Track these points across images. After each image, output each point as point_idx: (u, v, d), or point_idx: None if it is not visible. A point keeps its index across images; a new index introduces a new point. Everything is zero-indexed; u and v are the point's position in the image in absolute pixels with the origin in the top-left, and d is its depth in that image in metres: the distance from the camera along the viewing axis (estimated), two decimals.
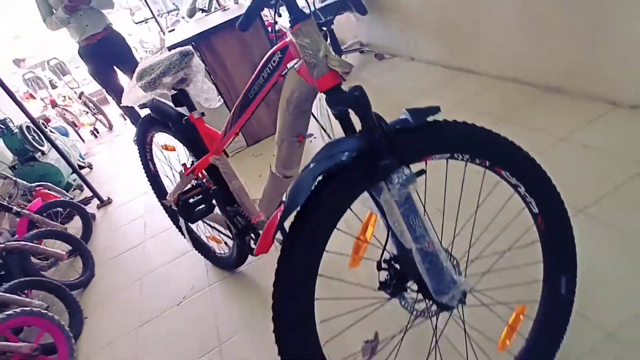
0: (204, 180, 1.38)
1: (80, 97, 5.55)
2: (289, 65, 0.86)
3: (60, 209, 2.58)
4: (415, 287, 0.88)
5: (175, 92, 1.27)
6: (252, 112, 1.02)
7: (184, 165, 1.42)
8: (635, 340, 0.97)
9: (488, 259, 1.05)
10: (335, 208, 0.76)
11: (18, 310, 1.55)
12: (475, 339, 0.97)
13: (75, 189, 3.56)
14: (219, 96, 1.34)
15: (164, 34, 5.15)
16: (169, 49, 2.50)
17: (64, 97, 5.96)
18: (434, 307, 0.88)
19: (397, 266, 0.88)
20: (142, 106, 1.50)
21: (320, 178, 0.72)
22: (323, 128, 0.90)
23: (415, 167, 0.80)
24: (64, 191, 3.14)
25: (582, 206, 1.38)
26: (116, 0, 3.68)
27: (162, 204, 1.74)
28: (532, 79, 2.17)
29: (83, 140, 5.47)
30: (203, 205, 1.21)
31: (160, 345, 1.59)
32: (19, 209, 2.21)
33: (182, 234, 1.49)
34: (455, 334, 1.02)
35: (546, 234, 0.93)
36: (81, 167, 4.00)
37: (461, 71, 2.68)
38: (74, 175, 3.45)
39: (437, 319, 0.91)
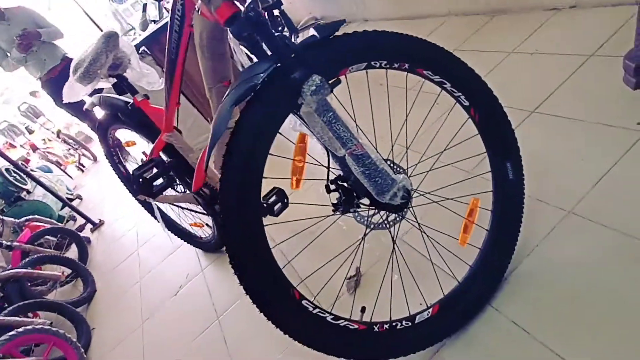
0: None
1: (58, 136, 5.57)
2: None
3: (51, 237, 2.61)
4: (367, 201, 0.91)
5: (115, 80, 1.28)
6: (181, 74, 1.03)
7: (143, 153, 1.44)
8: (594, 212, 0.99)
9: (430, 163, 1.06)
10: (261, 132, 0.77)
11: (21, 329, 1.58)
12: (436, 238, 1.00)
13: (68, 221, 3.60)
14: (161, 78, 1.36)
15: None
16: None
17: (43, 140, 5.98)
18: (390, 217, 0.90)
19: (345, 184, 0.90)
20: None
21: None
22: (243, 66, 0.92)
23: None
24: (55, 222, 3.17)
25: (535, 106, 1.40)
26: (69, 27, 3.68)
27: (137, 200, 1.76)
28: (477, 7, 2.18)
29: (70, 177, 5.50)
30: (161, 180, 1.23)
31: (165, 332, 1.63)
32: (8, 243, 2.24)
33: (155, 218, 1.51)
34: (417, 240, 1.04)
35: (482, 124, 0.95)
36: (71, 200, 4.04)
37: (412, 19, 2.69)
38: (66, 209, 3.48)
39: (394, 228, 0.93)
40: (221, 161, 1.15)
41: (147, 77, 1.32)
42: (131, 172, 1.80)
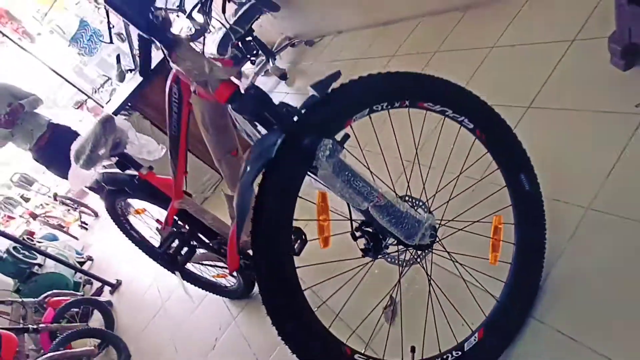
0: (179, 224, 1.40)
1: (55, 199, 5.55)
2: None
3: (76, 309, 2.60)
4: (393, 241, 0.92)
5: (117, 158, 1.29)
6: (185, 147, 1.05)
7: (157, 220, 1.44)
8: (611, 204, 1.01)
9: (448, 189, 1.07)
10: (283, 200, 0.79)
11: None
12: (468, 263, 1.01)
13: (84, 285, 3.59)
14: (161, 145, 1.37)
15: (102, 107, 5.14)
16: None
17: (41, 205, 5.96)
18: (416, 251, 0.92)
19: (369, 229, 0.91)
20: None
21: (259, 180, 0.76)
22: (248, 134, 0.93)
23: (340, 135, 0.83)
24: (73, 291, 3.16)
25: (529, 101, 1.42)
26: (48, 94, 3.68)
27: (159, 264, 1.77)
28: (447, 4, 2.20)
29: (76, 238, 5.48)
30: (185, 249, 1.24)
31: None
32: (34, 326, 2.23)
33: (183, 288, 1.52)
34: (449, 267, 1.05)
35: (490, 142, 0.96)
36: (82, 263, 4.02)
37: (385, 25, 2.72)
38: (79, 273, 3.48)
39: (425, 260, 0.94)
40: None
41: (147, 147, 1.33)
42: (144, 237, 1.81)
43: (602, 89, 1.26)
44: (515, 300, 0.96)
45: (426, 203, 0.92)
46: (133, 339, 2.36)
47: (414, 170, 0.98)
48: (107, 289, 3.19)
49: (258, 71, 3.66)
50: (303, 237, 1.04)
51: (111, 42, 4.69)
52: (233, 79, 0.80)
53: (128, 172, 1.35)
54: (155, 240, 1.79)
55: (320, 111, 0.80)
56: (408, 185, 0.94)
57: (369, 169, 0.88)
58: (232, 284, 1.79)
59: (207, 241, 1.33)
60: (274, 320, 0.78)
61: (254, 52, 3.64)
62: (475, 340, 0.92)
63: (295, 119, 0.77)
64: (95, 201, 5.88)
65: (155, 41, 0.78)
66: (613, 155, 1.08)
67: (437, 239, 0.89)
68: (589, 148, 1.16)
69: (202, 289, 1.88)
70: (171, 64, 0.81)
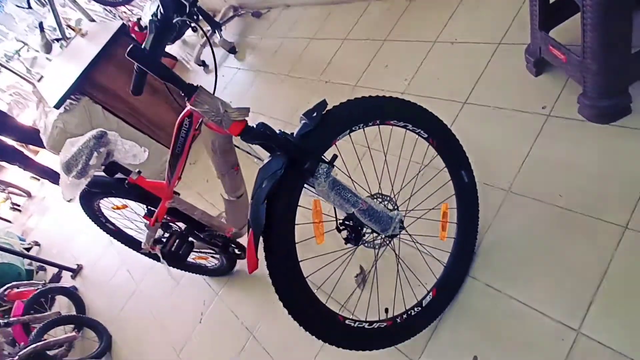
0: (167, 220, 1.53)
1: None
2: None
3: (43, 299, 2.60)
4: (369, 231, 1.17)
5: (105, 166, 1.36)
6: (184, 162, 1.18)
7: (145, 217, 1.55)
8: (524, 187, 1.35)
9: (409, 187, 1.34)
10: (288, 212, 0.99)
11: None
12: (424, 242, 1.30)
13: (38, 272, 3.49)
14: (142, 147, 1.45)
15: (31, 83, 4.64)
16: (57, 106, 2.41)
17: None
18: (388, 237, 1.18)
19: (350, 223, 1.15)
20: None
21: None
22: (249, 153, 1.08)
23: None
24: (31, 281, 3.10)
25: (465, 97, 1.70)
26: None
27: (142, 254, 1.88)
28: None
29: (10, 222, 5.11)
30: (184, 246, 1.38)
31: (205, 358, 1.85)
32: (5, 321, 2.24)
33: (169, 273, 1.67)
34: (409, 246, 1.35)
35: (439, 147, 1.23)
36: (28, 249, 3.86)
37: (334, 4, 2.81)
38: (29, 260, 3.37)
39: (392, 242, 1.22)
40: (232, 220, 1.34)
41: (132, 151, 1.41)
42: (118, 228, 1.89)
43: (519, 90, 1.57)
44: (458, 264, 1.28)
45: (393, 199, 1.18)
46: (111, 322, 2.47)
47: (383, 173, 1.23)
48: (66, 274, 3.16)
49: (204, 43, 3.57)
50: None
51: (29, 7, 4.30)
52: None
53: (116, 176, 1.43)
54: (137, 232, 1.89)
55: (314, 137, 1.00)
56: (379, 185, 1.18)
57: (350, 177, 1.10)
58: (214, 264, 1.97)
59: (201, 235, 1.48)
60: (285, 302, 1.00)
61: (195, 18, 3.53)
62: (430, 297, 1.24)
63: (294, 145, 0.95)
64: (26, 180, 5.46)
65: (171, 83, 0.89)
66: (525, 148, 1.41)
67: (404, 229, 1.16)
68: (508, 141, 1.48)
69: (186, 270, 2.04)
70: (189, 105, 0.92)
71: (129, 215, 1.82)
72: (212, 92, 0.92)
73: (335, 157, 1.02)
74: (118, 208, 1.72)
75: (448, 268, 1.29)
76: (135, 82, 1.08)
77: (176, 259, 1.34)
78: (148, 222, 1.55)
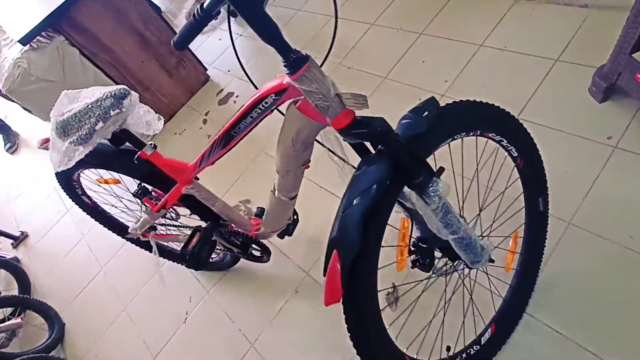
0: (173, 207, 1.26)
1: None
2: (286, 103, 0.77)
3: None
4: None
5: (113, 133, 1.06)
6: (232, 146, 0.92)
7: (146, 200, 1.26)
8: (587, 221, 1.25)
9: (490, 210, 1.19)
10: (381, 233, 0.79)
11: None
12: (490, 272, 1.17)
13: None
14: (157, 114, 1.16)
15: None
16: (23, 41, 1.95)
17: None
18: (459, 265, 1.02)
19: (425, 246, 0.98)
20: None
21: None
22: (333, 152, 0.85)
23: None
24: None
25: (518, 111, 1.58)
26: None
27: (126, 238, 1.57)
28: None
29: None
30: (207, 247, 1.12)
31: None
32: None
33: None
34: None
35: (524, 169, 1.08)
36: None
37: None
38: None
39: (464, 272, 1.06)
40: (272, 221, 1.12)
41: (145, 118, 1.12)
42: (95, 202, 1.57)
43: (579, 114, 1.47)
44: (517, 299, 1.17)
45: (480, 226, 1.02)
46: (66, 306, 2.10)
47: (469, 193, 1.06)
48: (5, 242, 2.68)
49: None
50: (296, 217, 1.30)
51: None
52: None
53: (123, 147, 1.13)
54: (120, 211, 1.58)
55: (424, 143, 0.80)
56: (462, 206, 1.02)
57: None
58: (215, 257, 1.70)
59: (221, 231, 1.22)
60: (357, 341, 0.81)
61: None
62: (489, 334, 1.11)
63: (410, 153, 0.75)
64: None
65: (276, 50, 0.64)
66: (589, 179, 1.32)
67: (493, 262, 1.00)
68: (570, 167, 1.38)
69: (172, 261, 1.76)
70: (288, 79, 0.68)
71: (118, 192, 1.51)
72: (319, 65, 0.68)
73: (442, 170, 0.83)
74: (106, 182, 1.40)
75: (507, 302, 1.16)
76: (184, 32, 0.80)
77: (198, 261, 1.08)
78: (148, 205, 1.26)
